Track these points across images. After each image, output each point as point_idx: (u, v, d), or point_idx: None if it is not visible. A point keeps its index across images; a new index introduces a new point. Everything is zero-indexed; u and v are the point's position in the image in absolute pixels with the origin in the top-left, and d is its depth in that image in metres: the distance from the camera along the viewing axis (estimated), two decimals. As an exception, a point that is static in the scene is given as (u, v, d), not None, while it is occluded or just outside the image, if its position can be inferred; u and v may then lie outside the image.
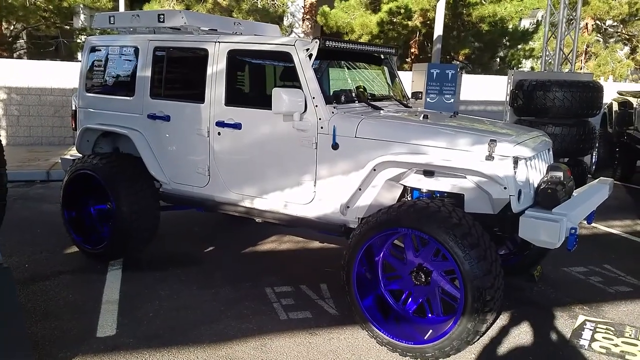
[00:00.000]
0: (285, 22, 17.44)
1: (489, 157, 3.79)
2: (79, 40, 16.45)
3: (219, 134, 4.86)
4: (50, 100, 12.13)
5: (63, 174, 5.69)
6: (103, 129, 5.64)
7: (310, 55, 4.43)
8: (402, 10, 15.62)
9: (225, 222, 6.90)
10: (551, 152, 4.72)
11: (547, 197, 3.90)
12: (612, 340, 4.20)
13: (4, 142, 11.79)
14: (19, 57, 16.90)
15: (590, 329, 4.36)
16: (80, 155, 5.78)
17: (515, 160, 3.85)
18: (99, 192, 5.40)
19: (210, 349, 3.87)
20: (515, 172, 3.82)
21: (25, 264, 5.39)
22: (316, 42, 4.43)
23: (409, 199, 4.39)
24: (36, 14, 14.89)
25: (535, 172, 4.14)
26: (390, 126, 4.25)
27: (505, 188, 3.78)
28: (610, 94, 11.66)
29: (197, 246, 6.06)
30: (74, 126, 6.04)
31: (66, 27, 15.87)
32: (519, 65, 20.56)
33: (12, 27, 16.40)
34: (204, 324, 4.24)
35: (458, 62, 19.52)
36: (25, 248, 5.83)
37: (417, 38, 17.88)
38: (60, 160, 6.38)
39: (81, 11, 17.07)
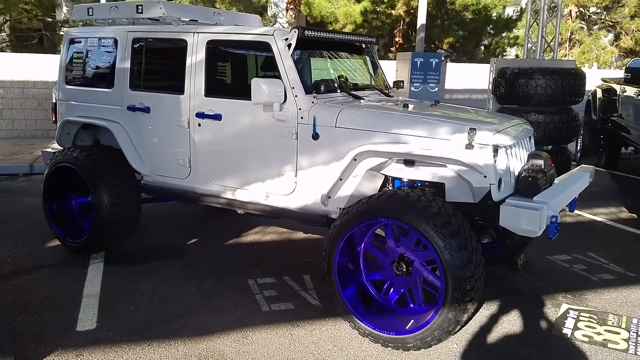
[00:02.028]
0: (269, 12, 17.34)
1: (469, 146, 3.77)
2: (61, 33, 16.26)
3: (199, 125, 4.82)
4: (34, 93, 12.00)
5: (45, 167, 5.63)
6: (83, 121, 5.59)
7: (289, 45, 4.39)
8: (386, 0, 15.58)
9: (208, 214, 6.86)
10: (532, 140, 4.72)
11: (527, 185, 3.90)
12: (595, 328, 4.21)
13: (-14, 136, 11.73)
14: (1, 49, 16.69)
15: (574, 318, 4.38)
16: (61, 148, 5.72)
17: (495, 149, 3.83)
18: (80, 185, 5.35)
19: (191, 342, 3.85)
20: (495, 161, 3.80)
21: (6, 258, 5.34)
22: (295, 32, 4.39)
23: (390, 188, 4.38)
24: (17, 6, 14.69)
25: (516, 160, 4.14)
26: (370, 116, 4.23)
27: (485, 176, 3.76)
28: (595, 81, 11.69)
29: (180, 238, 6.02)
30: (54, 119, 5.97)
31: (48, 19, 15.69)
32: (504, 53, 20.61)
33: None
34: (185, 316, 4.22)
35: (443, 51, 19.51)
36: (6, 242, 5.78)
37: (401, 27, 17.83)
38: (41, 153, 6.31)
39: (64, 3, 16.89)
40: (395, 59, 13.70)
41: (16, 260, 5.28)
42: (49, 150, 6.02)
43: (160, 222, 6.58)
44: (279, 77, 4.37)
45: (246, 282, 4.88)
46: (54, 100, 5.98)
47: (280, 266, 5.24)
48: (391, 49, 18.72)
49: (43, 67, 11.91)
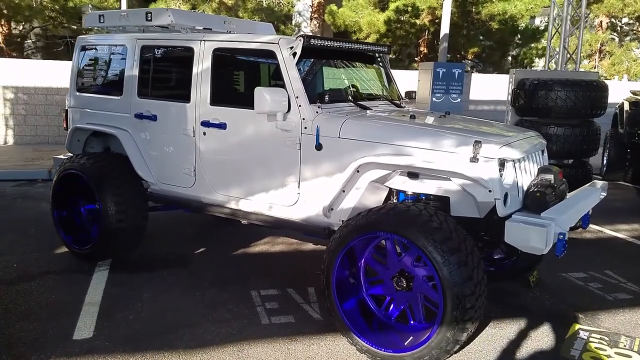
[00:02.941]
0: (293, 22, 17.34)
1: (474, 159, 3.65)
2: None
3: (204, 134, 4.78)
4: (57, 100, 12.18)
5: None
6: (92, 128, 5.60)
7: (294, 54, 4.33)
8: (410, 9, 15.43)
9: (216, 223, 6.79)
10: (545, 154, 4.58)
11: (535, 201, 3.77)
12: (605, 350, 4.04)
13: (10, 142, 11.93)
14: (27, 57, 16.99)
15: (583, 338, 4.20)
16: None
17: (502, 162, 3.71)
18: (88, 192, 5.35)
19: (185, 354, 3.78)
20: (501, 175, 3.68)
21: (14, 264, 5.35)
22: (300, 41, 4.32)
23: (395, 201, 4.28)
24: (42, 14, 14.94)
25: (525, 174, 4.00)
26: (374, 127, 4.13)
27: (490, 191, 3.64)
28: (624, 93, 11.41)
29: (187, 247, 5.99)
30: (65, 126, 5.99)
31: (74, 27, 15.93)
32: (532, 64, 20.31)
33: (21, 28, 16.48)
34: (183, 327, 4.16)
35: (468, 61, 19.30)
36: (16, 247, 5.80)
37: (426, 37, 17.68)
38: (52, 160, 6.34)
39: (89, 10, 17.13)
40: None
41: (23, 266, 5.29)
42: (60, 156, 6.04)
43: (167, 231, 6.55)
44: (283, 86, 4.31)
45: (249, 293, 4.81)
46: (65, 107, 6.01)
47: (285, 278, 5.16)
48: (416, 58, 18.58)
49: (66, 74, 12.03)
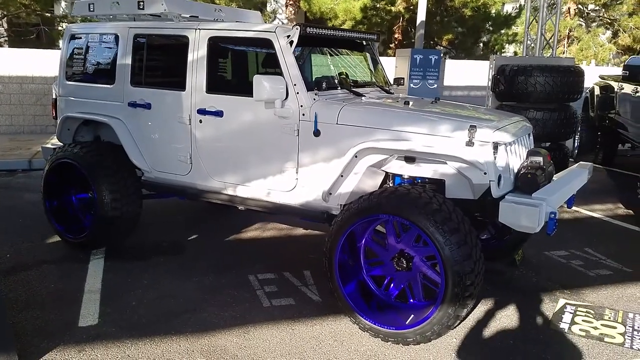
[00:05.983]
0: (269, 8, 17.32)
1: (469, 143, 3.80)
2: (60, 28, 16.25)
3: (200, 121, 4.84)
4: (32, 89, 12.02)
5: (45, 163, 5.64)
6: (83, 117, 5.59)
7: (291, 42, 4.41)
8: (386, -5, 15.59)
9: (210, 210, 6.88)
10: (532, 137, 4.75)
11: (526, 182, 3.93)
12: (592, 323, 4.26)
13: (-15, 131, 11.74)
14: (-1, 45, 16.69)
15: (571, 312, 4.42)
16: (61, 144, 5.73)
17: (495, 146, 3.86)
18: (81, 181, 5.37)
19: (193, 338, 3.87)
20: (495, 158, 3.84)
21: (7, 254, 5.35)
22: (297, 29, 4.40)
23: (390, 185, 4.41)
24: (15, 1, 14.66)
25: (515, 157, 4.17)
26: (371, 113, 4.25)
27: (485, 173, 3.80)
28: (592, 78, 11.73)
29: (181, 234, 6.05)
30: (54, 115, 5.97)
31: (47, 14, 15.66)
32: (502, 50, 20.63)
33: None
34: (186, 312, 4.25)
35: (441, 48, 19.51)
36: (7, 238, 5.79)
37: (400, 24, 17.83)
38: (41, 149, 6.31)
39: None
40: (394, 56, 13.74)
41: (17, 256, 5.30)
42: (49, 146, 6.03)
43: (160, 218, 6.60)
44: (280, 74, 4.39)
45: (247, 278, 4.91)
46: (54, 96, 5.98)
47: (280, 262, 5.27)
48: (390, 45, 18.72)
49: (42, 63, 11.92)
